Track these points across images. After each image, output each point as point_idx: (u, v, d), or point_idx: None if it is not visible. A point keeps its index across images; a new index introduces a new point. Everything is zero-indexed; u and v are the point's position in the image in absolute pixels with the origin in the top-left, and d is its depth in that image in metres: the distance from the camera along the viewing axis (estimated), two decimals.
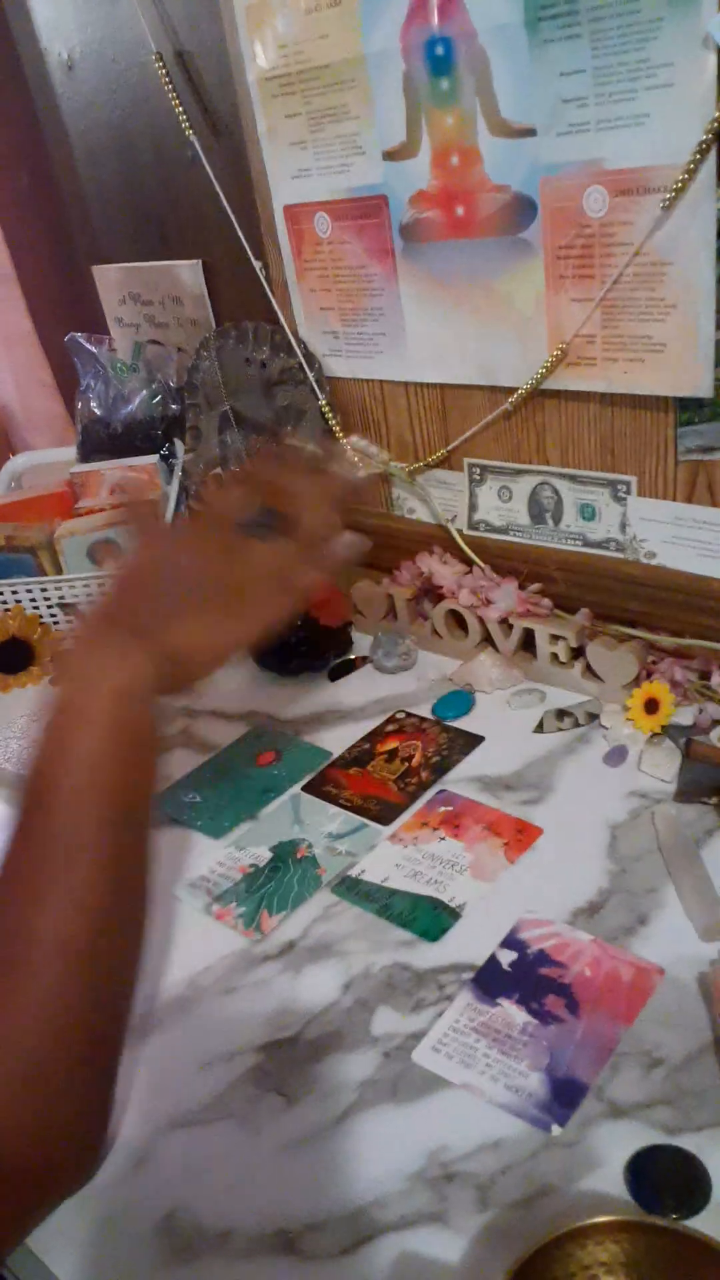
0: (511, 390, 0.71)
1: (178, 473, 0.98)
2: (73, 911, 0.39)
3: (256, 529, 0.44)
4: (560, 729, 0.69)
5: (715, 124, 0.53)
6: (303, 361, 0.83)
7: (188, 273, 0.93)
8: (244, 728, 0.76)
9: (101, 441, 1.00)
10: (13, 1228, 0.37)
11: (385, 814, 0.64)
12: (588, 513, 0.73)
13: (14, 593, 0.87)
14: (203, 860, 0.62)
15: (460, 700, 0.74)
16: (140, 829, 0.42)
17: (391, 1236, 0.40)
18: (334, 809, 0.65)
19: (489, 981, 0.50)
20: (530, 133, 0.61)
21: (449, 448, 0.79)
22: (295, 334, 0.83)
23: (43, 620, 0.88)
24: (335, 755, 0.71)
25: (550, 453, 0.73)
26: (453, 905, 0.55)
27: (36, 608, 0.88)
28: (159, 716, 0.43)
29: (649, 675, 0.68)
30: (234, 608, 0.44)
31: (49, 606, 0.88)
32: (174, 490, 0.96)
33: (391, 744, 0.71)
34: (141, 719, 0.42)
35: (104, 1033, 0.39)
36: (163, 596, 0.43)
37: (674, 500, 0.67)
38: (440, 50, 0.62)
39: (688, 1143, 0.41)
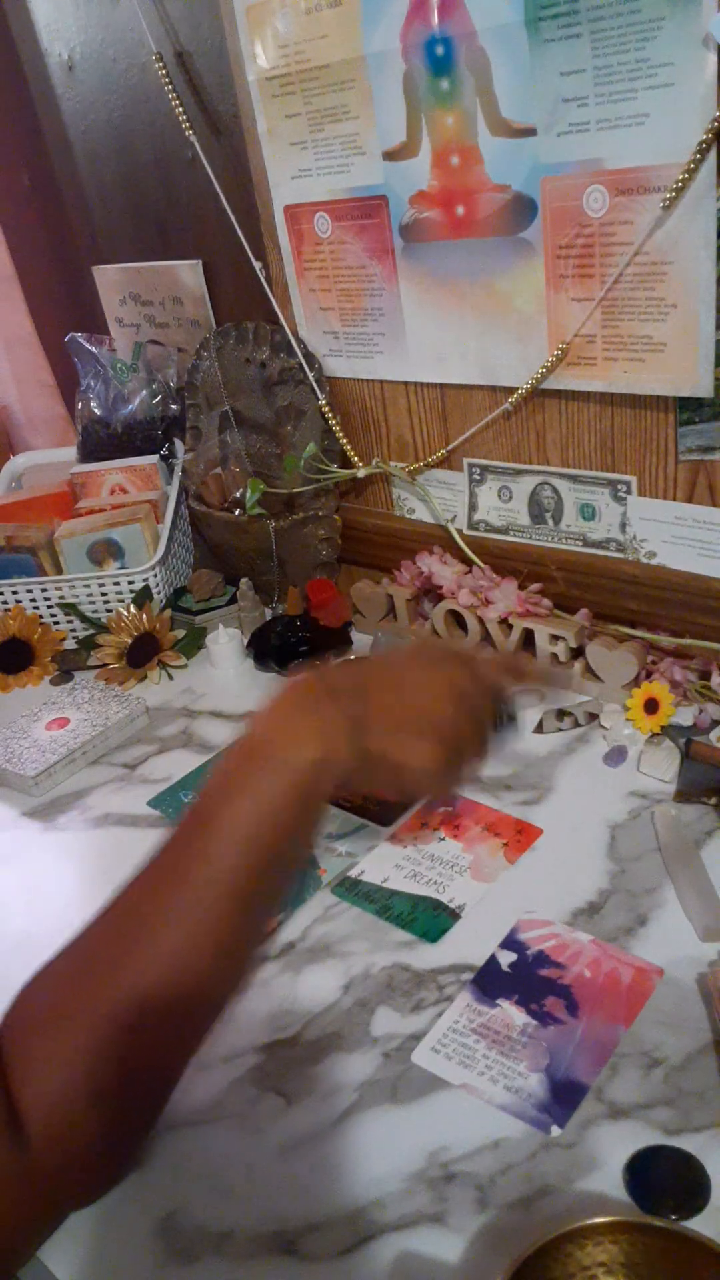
0: (512, 390, 0.71)
1: (178, 473, 0.98)
2: (185, 938, 0.39)
3: (502, 713, 0.45)
4: (560, 729, 0.69)
5: (715, 123, 0.53)
6: (303, 361, 0.83)
7: (188, 273, 0.93)
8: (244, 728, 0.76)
9: (102, 442, 1.00)
10: (36, 1229, 0.37)
11: (385, 814, 0.64)
12: (588, 513, 0.73)
13: (14, 593, 0.87)
14: None
15: None
16: (276, 895, 0.43)
17: (391, 1237, 0.40)
18: (333, 809, 0.65)
19: (488, 982, 0.50)
20: (530, 132, 0.61)
21: (449, 448, 0.79)
22: (295, 334, 0.83)
23: (43, 620, 0.88)
24: None
25: (550, 452, 0.73)
26: (452, 906, 0.55)
27: (36, 608, 0.88)
28: (327, 805, 0.42)
29: (649, 675, 0.68)
30: (444, 751, 0.43)
31: (49, 607, 0.88)
32: (174, 490, 0.96)
33: None
34: (319, 795, 0.41)
35: (167, 1062, 0.40)
36: (387, 703, 0.43)
37: (674, 500, 0.67)
38: (440, 50, 0.62)
39: (687, 1144, 0.41)
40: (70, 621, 0.89)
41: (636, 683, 0.68)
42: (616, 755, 0.65)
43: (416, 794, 0.49)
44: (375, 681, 0.44)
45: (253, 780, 0.41)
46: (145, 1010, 0.38)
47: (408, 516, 0.86)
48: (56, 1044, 0.37)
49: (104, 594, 0.87)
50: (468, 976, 0.51)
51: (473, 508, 0.80)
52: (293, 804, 0.40)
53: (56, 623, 0.89)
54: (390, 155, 0.69)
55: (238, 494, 0.89)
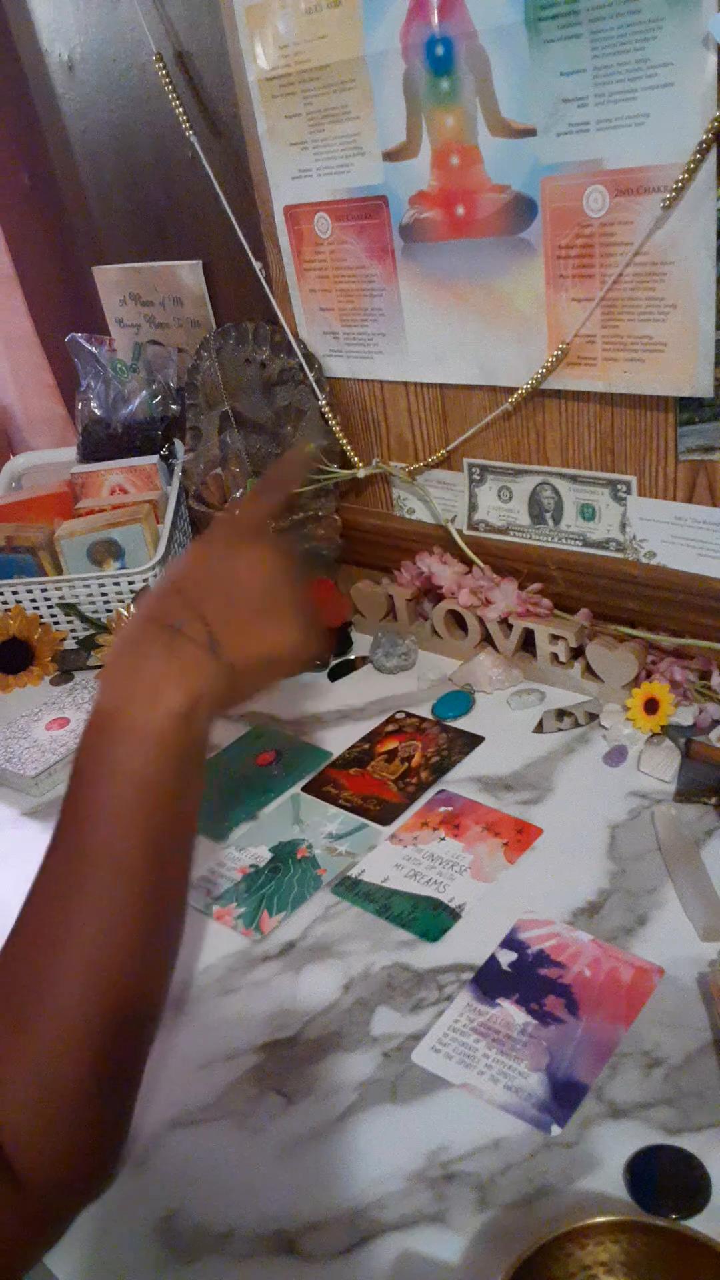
0: (511, 390, 0.71)
1: (178, 473, 0.98)
2: (105, 933, 0.37)
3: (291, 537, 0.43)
4: (560, 729, 0.69)
5: (715, 123, 0.53)
6: (302, 362, 0.83)
7: (188, 273, 0.93)
8: (244, 728, 0.76)
9: (102, 442, 1.00)
10: (32, 1243, 0.37)
11: (385, 814, 0.64)
12: (588, 513, 0.73)
13: (14, 593, 0.87)
14: (203, 861, 0.62)
15: (460, 700, 0.74)
16: (184, 855, 0.40)
17: (391, 1236, 0.40)
18: (334, 809, 0.65)
19: (489, 982, 0.50)
20: (530, 133, 0.61)
21: (449, 448, 0.79)
22: (295, 334, 0.83)
23: (43, 620, 0.88)
24: (335, 755, 0.71)
25: (550, 453, 0.73)
26: (452, 905, 0.55)
27: (37, 608, 0.88)
28: (209, 735, 0.40)
29: (649, 675, 0.68)
30: (289, 621, 0.41)
31: (49, 607, 0.88)
32: (174, 490, 0.96)
33: (391, 744, 0.71)
34: (197, 741, 0.39)
35: (126, 1055, 0.39)
36: (228, 604, 0.40)
37: (674, 500, 0.67)
38: (440, 50, 0.62)
39: (687, 1143, 0.41)
40: (70, 622, 0.89)
41: (636, 682, 0.68)
42: (616, 755, 0.65)
43: (295, 673, 0.44)
44: (200, 591, 0.40)
45: (114, 757, 0.37)
46: (87, 1016, 0.36)
47: (408, 517, 0.86)
48: (9, 1069, 0.36)
49: (104, 594, 0.87)
50: (468, 976, 0.51)
51: (473, 508, 0.80)
52: (166, 767, 0.38)
53: (56, 623, 0.89)
54: (390, 155, 0.69)
55: (238, 494, 0.89)
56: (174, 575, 0.42)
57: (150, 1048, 0.39)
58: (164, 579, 0.42)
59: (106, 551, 0.88)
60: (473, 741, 0.70)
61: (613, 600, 0.72)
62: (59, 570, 0.88)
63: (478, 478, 0.79)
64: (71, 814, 0.39)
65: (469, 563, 0.79)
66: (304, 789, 0.68)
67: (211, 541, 0.44)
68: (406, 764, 0.68)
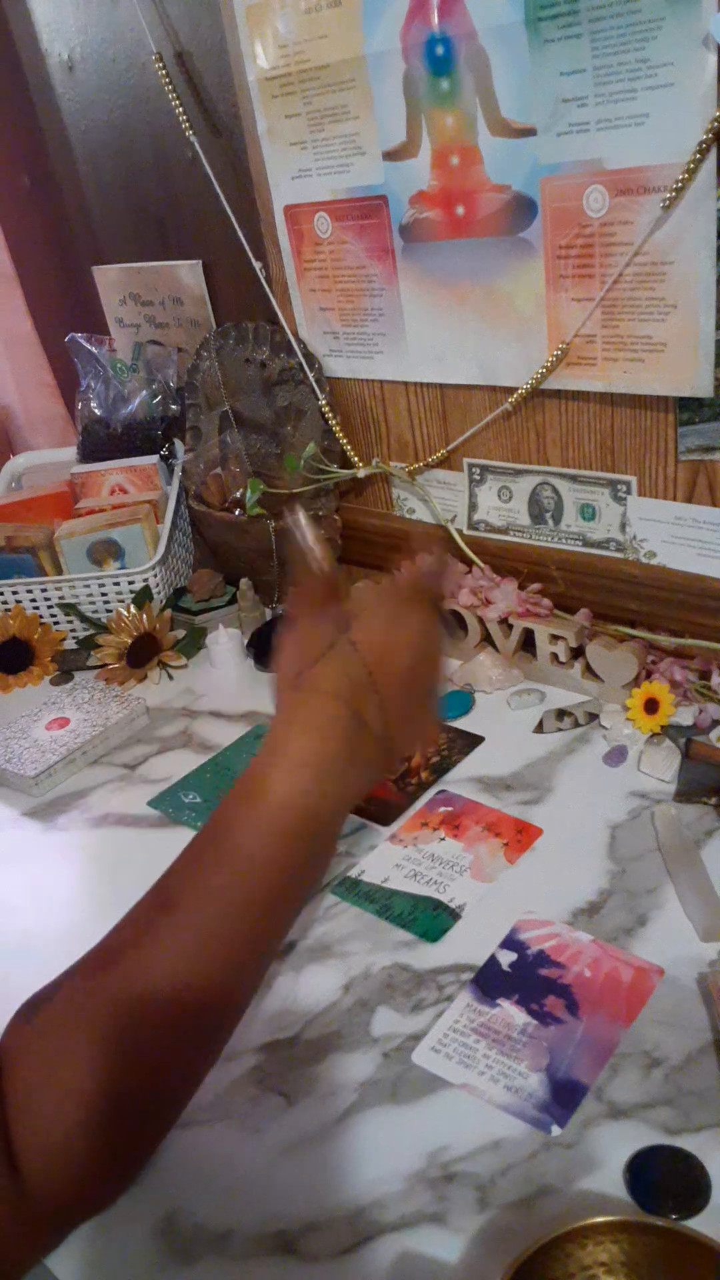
0: (511, 390, 0.71)
1: (178, 473, 0.98)
2: (185, 985, 0.38)
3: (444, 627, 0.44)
4: (560, 729, 0.69)
5: (715, 123, 0.53)
6: (302, 361, 0.83)
7: (188, 273, 0.93)
8: (244, 728, 0.76)
9: (102, 442, 1.00)
10: (33, 1250, 0.37)
11: (385, 814, 0.64)
12: (588, 513, 0.73)
13: (14, 593, 0.87)
14: None
15: (460, 700, 0.73)
16: (284, 925, 0.41)
17: (391, 1237, 0.40)
18: None
19: (489, 982, 0.50)
20: (530, 132, 0.61)
21: (449, 448, 0.79)
22: (295, 334, 0.83)
23: (43, 620, 0.88)
24: None
25: (550, 453, 0.73)
26: (452, 906, 0.55)
27: (36, 608, 0.88)
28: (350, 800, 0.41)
29: (649, 675, 0.68)
30: (435, 707, 0.42)
31: (49, 607, 0.88)
32: (174, 490, 0.96)
33: None
34: (331, 833, 0.40)
35: (171, 1107, 0.40)
36: (404, 695, 0.41)
37: (674, 500, 0.67)
38: (440, 50, 0.62)
39: (687, 1143, 0.41)
40: (70, 622, 0.89)
41: (636, 683, 0.68)
42: (616, 755, 0.65)
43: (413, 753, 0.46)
44: (387, 677, 0.40)
45: (246, 825, 0.39)
46: (142, 1033, 0.37)
47: (408, 516, 0.86)
48: (51, 1074, 0.37)
49: (104, 594, 0.87)
50: (468, 976, 0.51)
51: (472, 508, 0.80)
52: (311, 856, 0.39)
53: (56, 623, 0.89)
54: (390, 155, 0.69)
55: (238, 494, 0.89)
56: (367, 651, 0.41)
57: (191, 1090, 0.40)
58: (354, 652, 0.41)
59: (106, 551, 0.88)
60: (473, 741, 0.70)
61: (613, 600, 0.72)
62: (59, 570, 0.88)
63: (478, 478, 0.79)
64: (198, 857, 0.40)
65: (469, 563, 0.79)
66: None
67: (386, 606, 0.44)
68: (406, 764, 0.68)
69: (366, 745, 0.40)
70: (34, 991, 0.40)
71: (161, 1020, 0.38)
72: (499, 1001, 0.49)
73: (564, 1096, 0.44)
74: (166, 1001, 0.38)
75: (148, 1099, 0.39)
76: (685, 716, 0.66)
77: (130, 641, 0.84)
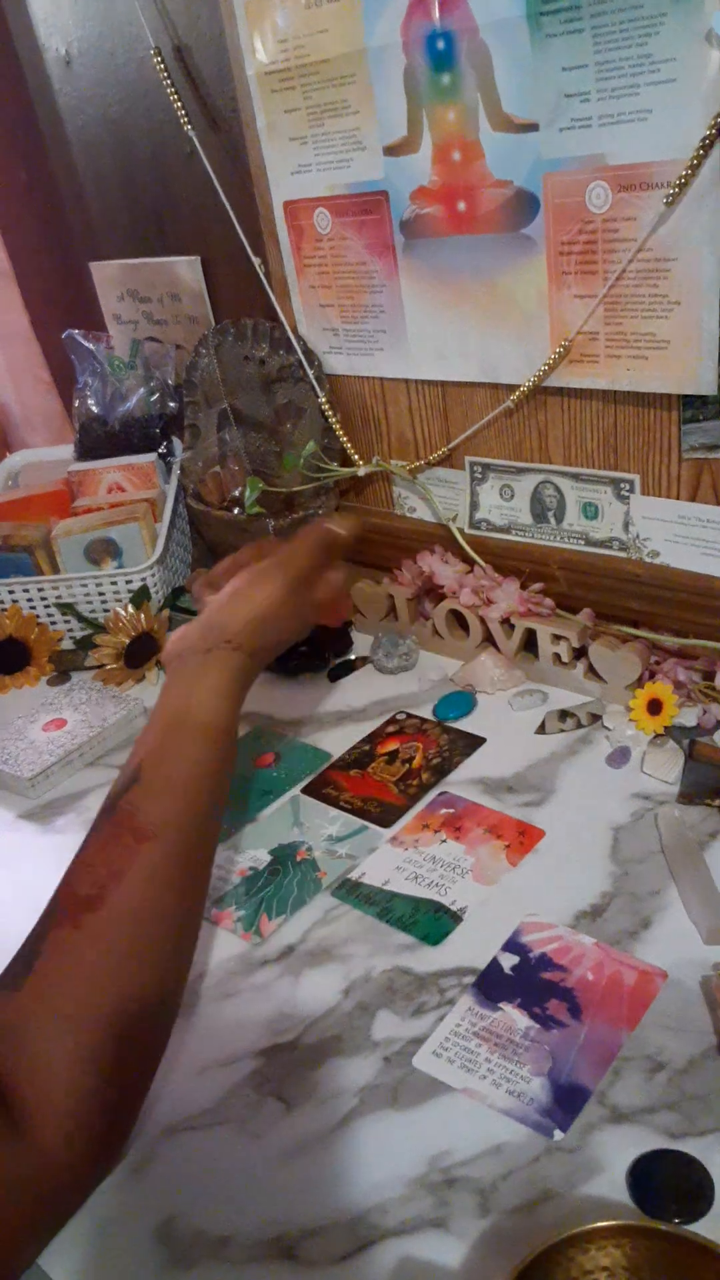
0: (513, 388, 0.70)
1: (176, 471, 0.97)
2: (145, 887, 0.43)
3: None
4: (562, 730, 0.68)
5: (718, 119, 0.52)
6: (302, 359, 0.82)
7: (186, 269, 0.93)
8: (243, 729, 0.76)
9: (99, 439, 0.99)
10: (36, 1227, 0.38)
11: (386, 816, 0.64)
12: (590, 511, 0.72)
13: (10, 592, 0.87)
14: None
15: (461, 701, 0.73)
16: (217, 822, 0.49)
17: (392, 1242, 0.40)
18: (334, 811, 0.65)
19: (490, 985, 0.50)
20: (532, 128, 0.60)
21: (450, 446, 0.78)
22: (295, 331, 0.83)
23: (39, 620, 0.88)
24: (335, 757, 0.70)
25: (553, 451, 0.72)
26: (454, 909, 0.55)
27: (33, 607, 0.87)
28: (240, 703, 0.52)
29: (652, 676, 0.68)
30: (294, 616, 0.57)
31: (46, 606, 0.87)
32: (172, 488, 0.96)
33: (392, 745, 0.70)
34: (233, 721, 0.51)
35: (157, 1008, 0.43)
36: (247, 621, 0.54)
37: (678, 499, 0.67)
38: (441, 45, 0.62)
39: (691, 1147, 0.41)
40: (67, 621, 0.88)
41: (640, 683, 0.68)
42: (619, 756, 0.65)
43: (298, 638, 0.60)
44: (225, 617, 0.54)
45: (178, 737, 0.49)
46: (135, 964, 0.41)
47: (408, 515, 0.85)
48: (30, 1048, 0.39)
49: (101, 594, 0.87)
50: (469, 980, 0.50)
51: (474, 506, 0.80)
52: (223, 749, 0.50)
53: (53, 623, 0.88)
54: (391, 150, 0.69)
55: (236, 492, 0.88)
56: (205, 612, 0.56)
57: (178, 1004, 0.45)
58: (198, 619, 0.55)
59: (104, 550, 0.87)
60: (474, 743, 0.69)
61: (616, 600, 0.72)
62: (56, 569, 0.88)
63: (479, 476, 0.78)
64: (129, 780, 0.47)
65: (470, 562, 0.79)
66: (304, 791, 0.67)
67: (230, 575, 0.58)
68: (407, 765, 0.68)
69: (219, 659, 0.53)
70: (10, 961, 0.41)
71: (152, 944, 0.42)
72: (501, 1005, 0.49)
73: (566, 1101, 0.44)
74: (153, 923, 0.42)
75: (144, 1026, 0.42)
76: (689, 717, 0.66)
77: (128, 642, 0.83)
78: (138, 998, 0.41)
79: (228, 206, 0.81)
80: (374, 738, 0.72)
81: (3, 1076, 0.38)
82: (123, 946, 0.42)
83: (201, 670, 0.51)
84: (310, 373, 0.82)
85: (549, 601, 0.73)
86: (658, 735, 0.65)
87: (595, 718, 0.68)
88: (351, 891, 0.57)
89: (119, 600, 0.86)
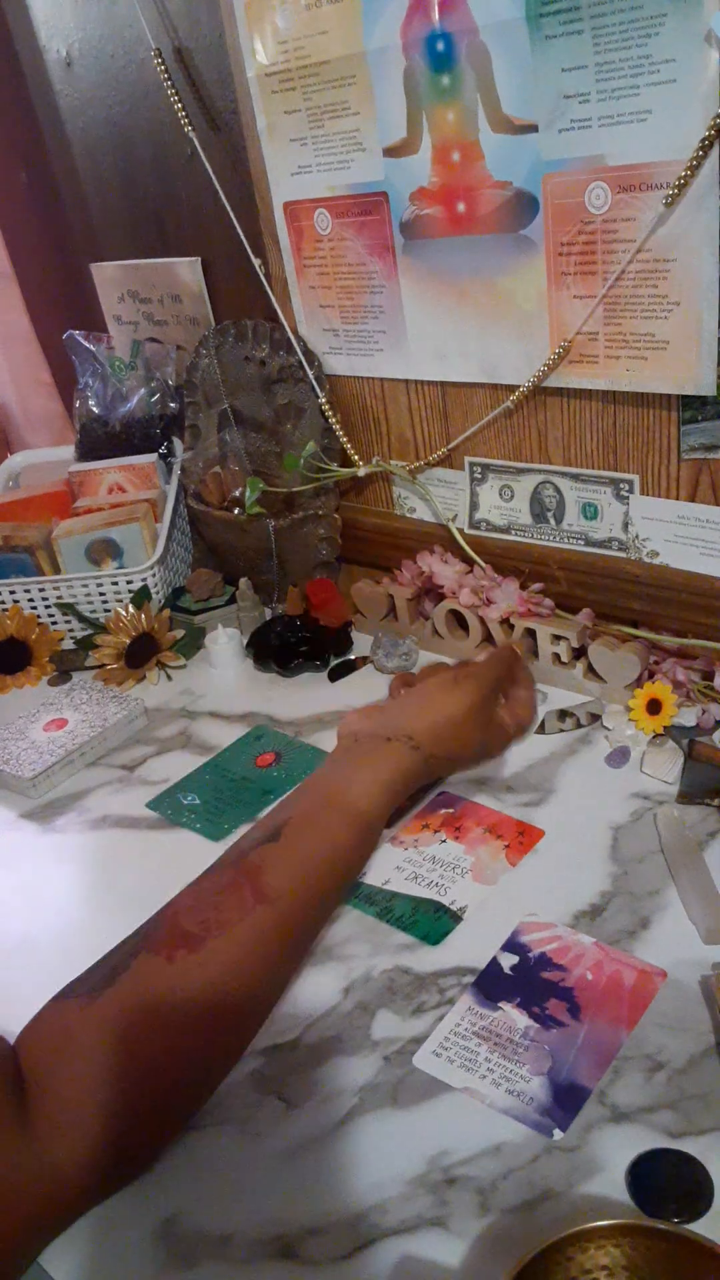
0: (513, 388, 0.70)
1: (176, 472, 0.97)
2: (246, 948, 0.43)
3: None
4: (562, 730, 0.68)
5: (718, 120, 0.52)
6: (302, 359, 0.83)
7: (187, 270, 0.93)
8: (243, 729, 0.76)
9: (100, 440, 0.99)
10: (39, 1234, 0.37)
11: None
12: (590, 512, 0.72)
13: (11, 593, 0.87)
14: (202, 863, 0.62)
15: None
16: (332, 908, 0.50)
17: (392, 1241, 0.40)
18: None
19: (490, 985, 0.50)
20: (532, 129, 0.60)
21: (450, 446, 0.79)
22: (295, 331, 0.83)
23: (40, 620, 0.88)
24: None
25: (552, 451, 0.72)
26: (454, 908, 0.55)
27: (34, 608, 0.88)
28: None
29: (651, 676, 0.68)
30: (478, 734, 0.57)
31: (47, 606, 0.88)
32: (173, 489, 0.96)
33: None
34: (384, 816, 0.51)
35: (212, 1067, 0.43)
36: (430, 722, 0.54)
37: (677, 499, 0.67)
38: (441, 46, 0.62)
39: (690, 1147, 0.41)
40: (68, 621, 0.88)
41: (639, 683, 0.68)
42: (619, 756, 0.65)
43: (479, 764, 0.63)
44: (405, 717, 0.55)
45: (328, 822, 0.49)
46: (219, 1015, 0.41)
47: (408, 515, 0.85)
48: (79, 1060, 0.38)
49: (102, 594, 0.87)
50: (469, 979, 0.50)
51: (474, 507, 0.80)
52: (365, 839, 0.50)
53: (54, 623, 0.88)
54: (391, 151, 0.69)
55: (237, 493, 0.88)
56: (394, 703, 0.58)
57: (225, 1072, 0.44)
58: (385, 707, 0.58)
59: (105, 551, 0.88)
60: None
61: (615, 600, 0.72)
62: (57, 570, 0.88)
63: (479, 476, 0.78)
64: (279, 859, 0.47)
65: (470, 562, 0.79)
66: None
67: (485, 685, 0.59)
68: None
69: (393, 748, 0.53)
70: (92, 967, 0.41)
71: (231, 1006, 0.41)
72: (500, 1004, 0.49)
73: (566, 1100, 0.44)
74: (239, 986, 0.42)
75: (194, 1081, 0.42)
76: (688, 717, 0.66)
77: (128, 642, 0.83)
78: (200, 1051, 0.41)
79: (228, 207, 0.81)
80: None
81: (40, 1079, 0.37)
82: (205, 997, 0.41)
83: (373, 757, 0.51)
84: (310, 373, 0.83)
85: (548, 601, 0.73)
86: (657, 735, 0.65)
87: (595, 717, 0.69)
88: (351, 891, 0.58)
89: (119, 600, 0.86)
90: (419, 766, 0.52)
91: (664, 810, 0.59)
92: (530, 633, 0.73)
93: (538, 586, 0.74)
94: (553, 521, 0.75)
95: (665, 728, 0.64)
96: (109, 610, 0.86)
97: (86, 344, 0.99)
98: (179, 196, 0.90)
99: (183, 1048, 0.40)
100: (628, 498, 0.69)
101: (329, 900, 0.48)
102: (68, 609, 0.87)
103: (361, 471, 0.83)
